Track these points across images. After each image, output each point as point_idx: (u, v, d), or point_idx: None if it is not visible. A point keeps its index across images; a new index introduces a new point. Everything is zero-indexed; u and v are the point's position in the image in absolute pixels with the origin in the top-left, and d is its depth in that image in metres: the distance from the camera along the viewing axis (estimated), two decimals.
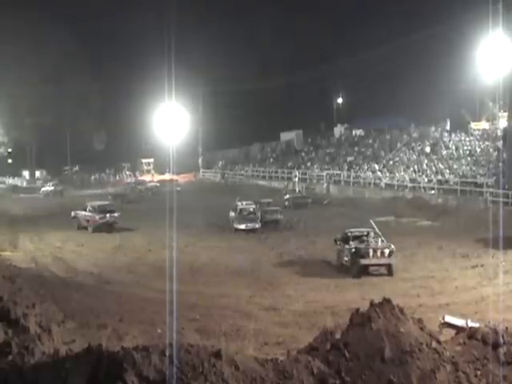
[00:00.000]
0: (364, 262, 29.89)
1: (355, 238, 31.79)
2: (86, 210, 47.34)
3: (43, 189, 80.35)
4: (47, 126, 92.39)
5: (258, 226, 45.04)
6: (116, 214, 47.15)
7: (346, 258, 31.14)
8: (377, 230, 32.17)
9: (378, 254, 29.99)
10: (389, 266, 30.04)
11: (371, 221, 33.45)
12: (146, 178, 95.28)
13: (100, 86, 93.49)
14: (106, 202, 53.39)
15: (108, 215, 46.65)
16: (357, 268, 29.83)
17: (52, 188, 79.82)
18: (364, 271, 30.04)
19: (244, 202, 49.42)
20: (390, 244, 30.60)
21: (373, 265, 30.30)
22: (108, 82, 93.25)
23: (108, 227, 45.86)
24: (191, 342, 11.09)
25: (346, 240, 31.89)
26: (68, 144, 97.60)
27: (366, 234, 32.05)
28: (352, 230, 32.90)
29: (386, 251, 29.98)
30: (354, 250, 30.31)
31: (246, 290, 27.28)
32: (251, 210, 47.72)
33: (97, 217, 46.25)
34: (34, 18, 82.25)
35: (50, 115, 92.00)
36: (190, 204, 54.75)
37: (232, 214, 47.78)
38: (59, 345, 13.01)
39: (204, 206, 58.38)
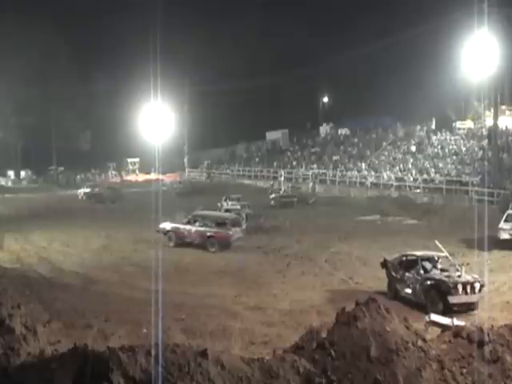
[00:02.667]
0: (453, 300, 22.67)
1: (414, 262, 25.35)
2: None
3: None
4: (32, 125, 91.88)
5: (243, 227, 41.87)
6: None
7: (407, 290, 24.82)
8: (446, 253, 25.63)
9: (468, 289, 22.87)
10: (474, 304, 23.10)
11: (436, 241, 26.14)
12: (131, 177, 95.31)
13: (86, 85, 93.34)
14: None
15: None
16: (440, 307, 22.52)
17: None
18: (448, 311, 21.86)
19: (230, 202, 48.99)
20: (476, 276, 23.97)
21: (462, 304, 22.84)
22: (94, 82, 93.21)
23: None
24: (177, 341, 11.10)
25: (407, 266, 25.61)
26: (53, 144, 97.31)
27: (432, 258, 25.59)
28: (412, 252, 26.70)
29: (477, 285, 23.01)
30: (432, 282, 23.72)
31: (232, 289, 27.23)
32: (237, 210, 46.54)
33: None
34: (18, 18, 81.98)
35: (35, 115, 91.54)
36: (175, 203, 54.61)
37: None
38: (45, 345, 12.95)
39: (189, 205, 58.38)
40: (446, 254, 25.35)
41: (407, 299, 24.62)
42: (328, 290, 27.22)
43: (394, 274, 25.81)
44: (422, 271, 24.49)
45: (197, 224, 38.70)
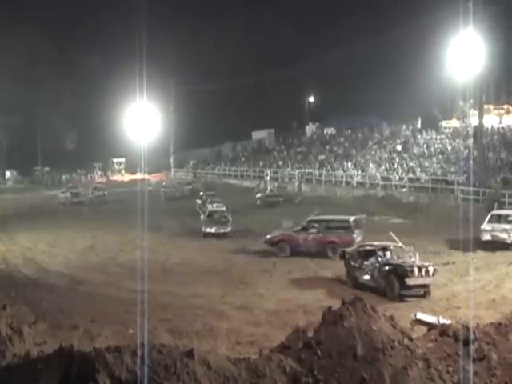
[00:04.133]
0: (409, 282, 25.29)
1: (373, 253, 27.98)
2: None
3: None
4: (17, 125, 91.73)
5: (228, 229, 42.50)
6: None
7: (365, 277, 27.23)
8: (400, 243, 28.28)
9: (423, 272, 25.42)
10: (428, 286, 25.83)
11: (391, 233, 29.40)
12: (117, 177, 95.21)
13: (71, 85, 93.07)
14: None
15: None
16: (398, 289, 25.38)
17: None
18: (405, 293, 25.57)
19: (214, 204, 47.29)
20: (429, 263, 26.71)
21: (417, 286, 25.58)
22: (79, 82, 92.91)
23: None
24: (163, 342, 11.07)
25: (365, 255, 28.13)
26: (39, 144, 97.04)
27: (387, 247, 28.16)
28: (369, 243, 29.57)
29: (431, 269, 25.67)
30: (390, 267, 26.26)
31: (219, 289, 27.26)
32: (222, 212, 44.93)
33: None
34: (4, 17, 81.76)
35: (20, 115, 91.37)
36: (161, 203, 54.61)
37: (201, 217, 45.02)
38: (30, 346, 12.90)
39: (175, 205, 58.39)
40: (400, 244, 28.08)
41: (366, 285, 26.79)
42: (314, 289, 27.25)
43: (352, 263, 28.28)
44: (380, 259, 27.20)
45: (313, 230, 35.87)
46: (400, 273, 25.52)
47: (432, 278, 25.71)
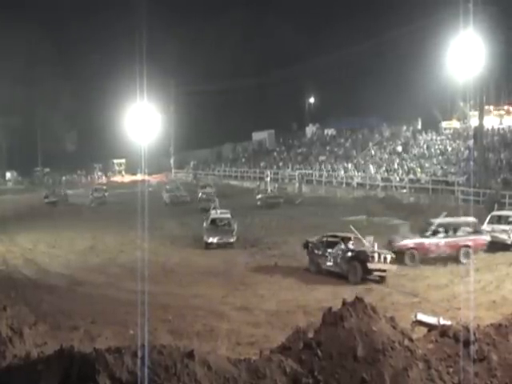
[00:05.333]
0: (371, 266, 28.05)
1: (335, 242, 30.39)
2: None
3: None
4: (18, 126, 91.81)
5: (233, 239, 38.35)
6: None
7: (329, 264, 29.85)
8: (358, 234, 30.36)
9: (382, 258, 28.23)
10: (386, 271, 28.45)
11: (351, 226, 31.54)
12: (117, 178, 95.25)
13: (71, 86, 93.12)
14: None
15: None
16: (360, 273, 28.20)
17: None
18: (366, 277, 28.31)
19: (218, 211, 42.57)
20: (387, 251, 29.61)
21: (377, 270, 28.26)
22: (80, 83, 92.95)
23: None
24: (164, 342, 11.06)
25: (327, 244, 30.60)
26: (39, 145, 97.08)
27: (348, 237, 30.38)
28: (331, 233, 31.68)
29: (388, 257, 28.44)
30: (353, 253, 28.91)
31: (219, 290, 27.22)
32: (226, 219, 40.65)
33: None
34: (3, 18, 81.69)
35: (20, 115, 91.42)
36: (162, 204, 54.59)
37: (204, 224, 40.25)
38: (31, 347, 12.89)
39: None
40: (359, 236, 30.24)
41: (328, 271, 29.89)
42: (315, 289, 27.27)
43: (316, 251, 31.09)
44: (343, 247, 29.65)
45: (441, 235, 33.13)
46: (362, 258, 28.39)
47: (389, 265, 28.43)
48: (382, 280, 28.13)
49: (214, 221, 40.24)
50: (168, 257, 35.27)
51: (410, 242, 32.94)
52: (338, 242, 30.44)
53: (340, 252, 29.57)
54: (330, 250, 30.16)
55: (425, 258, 32.46)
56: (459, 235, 33.34)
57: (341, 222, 34.42)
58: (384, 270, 28.34)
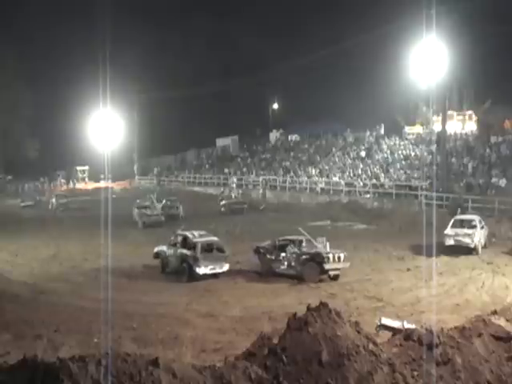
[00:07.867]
0: (327, 266, 29.71)
1: (286, 245, 31.55)
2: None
3: None
4: None
5: (225, 268, 31.46)
6: None
7: (282, 267, 30.87)
8: (308, 236, 31.80)
9: (336, 258, 29.97)
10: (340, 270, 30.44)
11: (300, 228, 32.81)
12: (81, 185, 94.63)
13: (33, 93, 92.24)
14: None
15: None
16: (317, 274, 29.81)
17: None
18: (320, 277, 30.04)
19: (196, 233, 33.27)
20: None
21: (333, 269, 29.99)
22: (41, 90, 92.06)
23: None
24: (128, 350, 10.99)
25: (280, 248, 31.58)
26: (0, 152, 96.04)
27: (299, 240, 31.76)
28: (282, 237, 32.76)
29: (342, 256, 30.21)
30: (308, 256, 30.21)
31: (184, 297, 27.19)
32: (216, 243, 32.72)
33: None
34: None
35: None
36: (125, 211, 54.21)
37: (183, 251, 31.95)
38: None
39: None
40: (309, 237, 31.47)
41: (283, 274, 30.66)
42: (279, 295, 27.31)
43: (268, 256, 31.68)
44: (296, 250, 30.80)
45: None
46: (318, 260, 29.77)
47: (343, 263, 30.29)
48: (335, 278, 30.11)
49: (202, 248, 31.41)
50: (132, 264, 35.01)
51: None
52: (290, 245, 31.54)
53: (294, 255, 30.70)
54: (283, 254, 31.12)
55: None
56: None
57: (304, 227, 34.42)
58: (338, 269, 30.17)
